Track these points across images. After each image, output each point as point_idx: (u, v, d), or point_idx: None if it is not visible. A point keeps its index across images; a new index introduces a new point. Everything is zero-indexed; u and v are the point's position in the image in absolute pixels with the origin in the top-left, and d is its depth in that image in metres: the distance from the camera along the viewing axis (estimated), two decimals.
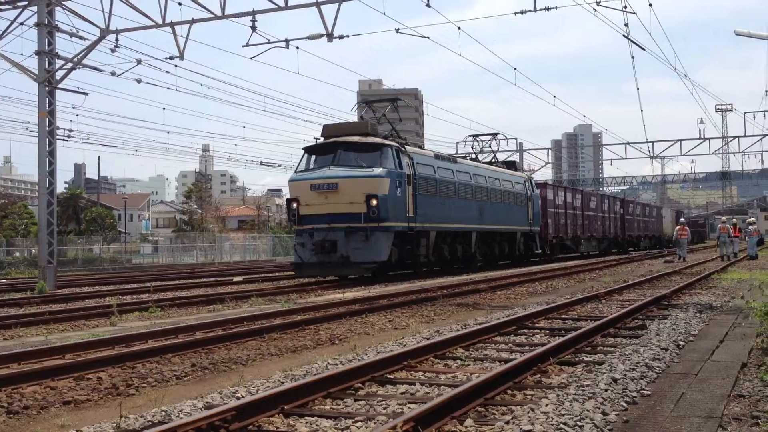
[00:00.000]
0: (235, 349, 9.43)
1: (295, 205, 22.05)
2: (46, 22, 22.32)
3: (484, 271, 26.08)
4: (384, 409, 5.89)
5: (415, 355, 7.83)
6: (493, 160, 34.45)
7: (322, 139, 23.32)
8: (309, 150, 23.27)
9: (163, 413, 5.76)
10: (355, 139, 22.29)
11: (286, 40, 22.43)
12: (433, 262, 24.86)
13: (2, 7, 22.80)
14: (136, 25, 22.85)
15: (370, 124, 23.48)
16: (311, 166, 22.43)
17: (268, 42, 22.18)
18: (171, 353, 8.84)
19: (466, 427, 5.26)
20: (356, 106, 25.47)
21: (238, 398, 6.22)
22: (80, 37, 23.22)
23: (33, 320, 12.72)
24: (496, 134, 34.99)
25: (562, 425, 5.09)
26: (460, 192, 26.52)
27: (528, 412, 5.44)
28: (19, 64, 23.32)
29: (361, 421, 5.46)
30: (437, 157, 25.82)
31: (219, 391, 6.63)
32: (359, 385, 6.70)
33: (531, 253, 34.83)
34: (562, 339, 8.58)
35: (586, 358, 8.04)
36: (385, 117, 25.51)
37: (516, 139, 59.63)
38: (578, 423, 5.16)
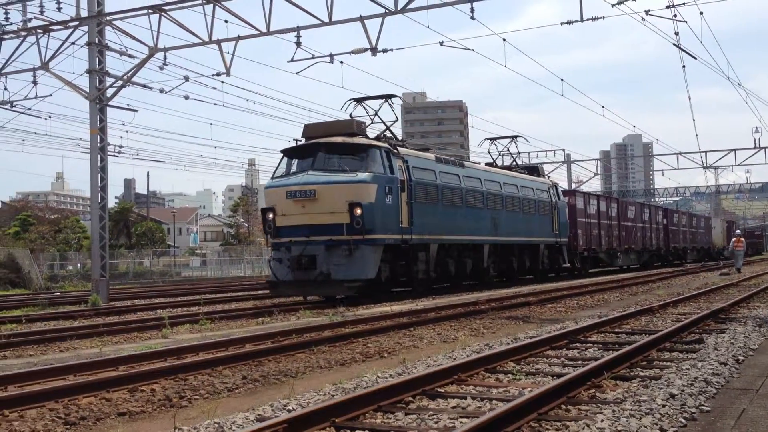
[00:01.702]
0: (284, 361, 9.45)
1: (270, 216, 19.43)
2: (97, 42, 22.81)
3: (498, 288, 23.97)
4: (435, 423, 5.84)
5: (466, 369, 7.76)
6: (513, 165, 31.56)
7: (303, 140, 20.81)
8: (287, 152, 20.69)
9: (216, 425, 5.79)
10: (338, 139, 19.69)
11: (331, 55, 22.57)
12: (435, 278, 22.16)
13: (55, 27, 23.35)
14: (183, 43, 23.23)
15: (357, 122, 20.82)
16: (291, 171, 20.01)
17: (313, 57, 22.33)
18: (222, 365, 8.91)
19: None
20: (347, 106, 22.32)
21: (289, 411, 6.22)
22: (129, 56, 23.69)
23: (87, 332, 12.95)
24: (515, 136, 32.15)
25: None
26: (468, 200, 23.78)
27: (582, 428, 5.35)
28: (71, 83, 23.88)
29: None
30: (439, 160, 23.10)
31: (270, 403, 6.64)
32: (410, 398, 6.65)
33: (558, 267, 32.21)
34: (616, 353, 8.42)
35: (641, 373, 7.87)
36: (379, 116, 22.57)
37: (563, 150, 59.19)
38: None
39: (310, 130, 20.73)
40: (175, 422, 5.72)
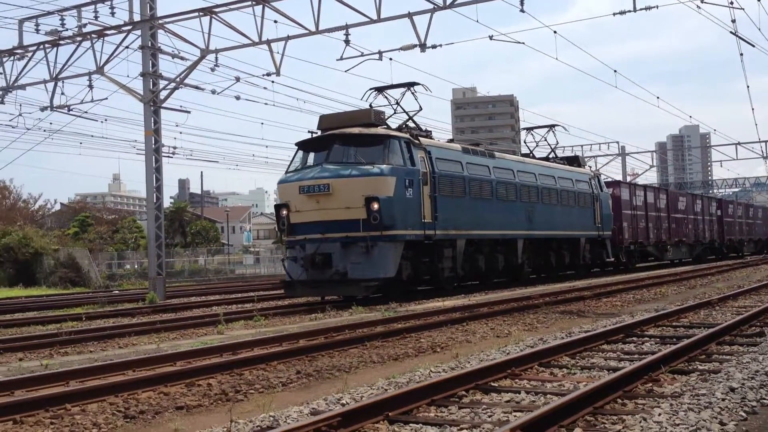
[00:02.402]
0: (337, 356, 9.51)
1: (284, 212, 18.46)
2: (150, 45, 23.23)
3: (536, 285, 23.04)
4: (489, 417, 5.81)
5: (519, 363, 7.71)
6: (551, 156, 29.63)
7: (319, 132, 19.71)
8: (302, 145, 19.54)
9: (271, 419, 5.86)
10: (355, 130, 18.64)
11: (380, 52, 22.56)
12: (464, 276, 21.00)
13: (109, 32, 23.84)
14: (234, 44, 23.50)
15: (375, 112, 19.63)
16: (306, 165, 19.03)
17: (362, 54, 22.35)
18: (276, 360, 9.00)
19: None
20: (367, 96, 21.01)
21: (343, 405, 6.26)
22: (182, 58, 24.06)
23: (145, 329, 13.21)
24: (553, 126, 30.64)
25: None
26: (499, 192, 22.47)
27: (640, 422, 5.27)
28: (125, 86, 24.34)
29: (466, 429, 5.41)
30: (466, 151, 21.71)
31: (324, 397, 6.70)
32: (463, 392, 6.64)
33: (601, 262, 30.63)
34: (674, 347, 8.27)
35: (700, 367, 7.72)
36: (401, 106, 21.21)
37: (618, 142, 58.25)
38: None
39: (326, 122, 19.71)
40: (231, 416, 5.80)
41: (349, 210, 17.54)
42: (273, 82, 24.96)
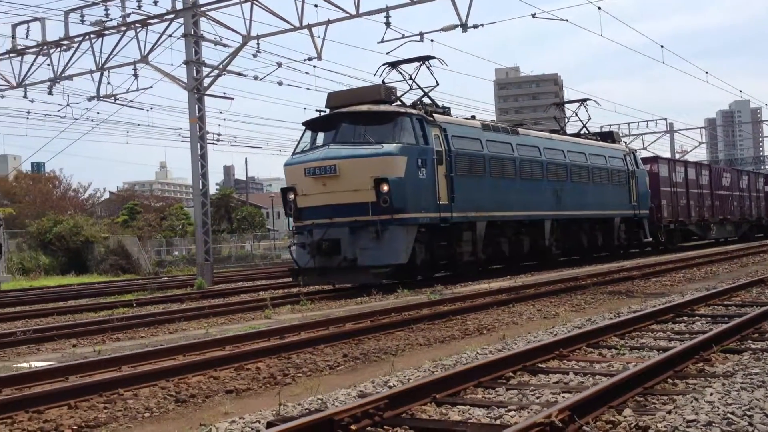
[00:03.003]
0: (384, 339, 9.54)
1: (291, 196, 17.74)
2: (193, 33, 23.42)
3: (567, 268, 21.82)
4: (537, 398, 5.78)
5: (567, 345, 7.64)
6: (582, 132, 28.23)
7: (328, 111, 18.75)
8: (309, 125, 18.75)
9: (320, 401, 5.91)
10: (363, 108, 17.75)
11: (420, 34, 22.46)
12: (485, 260, 19.98)
13: (152, 21, 24.10)
14: (275, 30, 23.58)
15: (385, 88, 18.68)
16: (314, 146, 18.18)
17: (403, 37, 22.27)
18: (323, 344, 9.07)
19: (624, 417, 5.05)
20: (380, 71, 19.88)
21: (390, 387, 6.28)
22: (224, 45, 24.23)
23: (194, 315, 13.41)
24: (585, 100, 29.56)
25: (729, 415, 4.80)
26: (523, 171, 21.38)
27: (691, 402, 5.18)
28: (169, 74, 24.63)
29: (515, 410, 5.38)
30: (486, 128, 20.55)
31: (371, 380, 6.73)
32: (510, 374, 6.60)
33: (638, 243, 29.19)
34: (725, 326, 8.12)
35: (753, 346, 7.57)
36: (414, 81, 19.86)
37: (666, 119, 57.23)
38: (747, 413, 4.85)
39: (334, 99, 18.73)
40: (280, 399, 5.85)
41: (358, 192, 16.74)
42: (314, 66, 25.16)
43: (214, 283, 23.27)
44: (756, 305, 10.69)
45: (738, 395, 5.25)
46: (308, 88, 30.51)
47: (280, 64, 24.90)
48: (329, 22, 22.43)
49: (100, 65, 25.11)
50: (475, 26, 21.62)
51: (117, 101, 26.49)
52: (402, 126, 17.35)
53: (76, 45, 25.18)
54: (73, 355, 9.37)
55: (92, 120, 30.07)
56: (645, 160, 31.96)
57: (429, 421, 5.19)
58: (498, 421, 5.15)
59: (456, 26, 21.42)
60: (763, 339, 7.98)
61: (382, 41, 22.28)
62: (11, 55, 25.89)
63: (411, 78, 19.87)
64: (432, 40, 23.01)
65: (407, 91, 19.74)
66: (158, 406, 6.33)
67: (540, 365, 6.95)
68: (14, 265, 36.29)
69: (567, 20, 22.99)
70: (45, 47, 25.43)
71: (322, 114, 18.62)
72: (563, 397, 5.68)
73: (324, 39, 23.03)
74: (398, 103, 18.64)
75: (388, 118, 17.48)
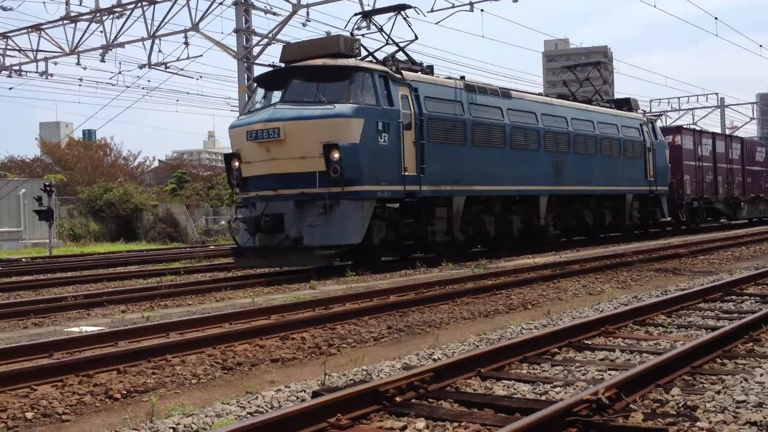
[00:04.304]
0: (428, 312, 9.56)
1: (236, 163, 15.52)
2: (243, 1, 23.48)
3: (567, 250, 19.93)
4: (583, 375, 5.75)
5: (613, 321, 7.57)
6: (594, 98, 25.52)
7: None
8: (260, 81, 16.78)
9: (364, 372, 5.95)
10: (318, 62, 15.46)
11: (471, 3, 22.25)
12: (464, 241, 17.74)
13: None
14: None
15: (345, 39, 16.09)
16: (261, 106, 16.00)
17: (453, 6, 22.07)
18: (367, 315, 9.12)
19: (672, 396, 5.00)
20: (353, 23, 18.02)
21: (434, 360, 6.30)
22: (274, 14, 24.30)
23: (240, 284, 13.58)
24: (598, 63, 27.68)
25: None
26: (515, 140, 18.92)
27: (741, 382, 5.10)
28: (219, 43, 24.77)
29: (560, 386, 5.35)
30: (470, 89, 17.87)
31: (415, 352, 6.75)
32: (555, 350, 6.57)
33: (654, 222, 26.72)
34: None
35: None
36: (383, 32, 17.69)
37: (717, 94, 55.90)
38: None
39: (289, 53, 16.47)
40: (325, 369, 5.91)
41: (305, 160, 14.50)
42: (363, 35, 24.92)
43: None
44: None
45: None
46: None
47: (328, 33, 24.85)
48: None
49: (152, 33, 25.37)
50: None
51: (167, 69, 26.79)
52: (359, 83, 15.00)
53: (128, 12, 25.48)
54: (122, 320, 9.57)
55: (143, 88, 30.67)
56: (667, 131, 29.71)
57: (474, 395, 5.19)
58: (543, 397, 5.13)
59: None
60: None
61: (432, 10, 22.11)
62: (65, 21, 26.31)
63: (380, 29, 17.67)
64: (482, 10, 22.77)
65: (382, 46, 17.62)
66: (205, 373, 6.44)
67: (586, 342, 6.91)
68: (65, 231, 37.11)
69: None
70: (98, 14, 25.76)
71: (274, 69, 16.69)
72: (609, 374, 5.64)
73: (373, 8, 22.87)
74: (360, 57, 16.22)
75: (344, 74, 15.15)
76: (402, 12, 17.57)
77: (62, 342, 7.50)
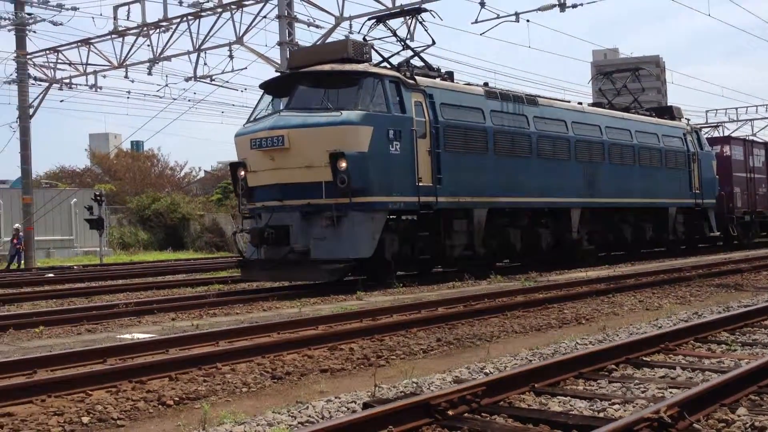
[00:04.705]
0: (478, 325, 9.39)
1: (242, 173, 14.97)
2: (286, 14, 23.60)
3: (602, 266, 18.64)
4: (642, 392, 5.53)
5: (673, 338, 7.31)
6: (632, 106, 24.31)
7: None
8: (267, 87, 16.00)
9: (414, 385, 5.82)
10: (325, 68, 14.86)
11: (516, 14, 22.02)
12: (486, 254, 16.78)
13: (247, 2, 24.43)
14: (367, 11, 23.50)
15: (354, 43, 15.57)
16: (267, 113, 15.44)
17: (498, 17, 21.87)
18: (416, 327, 8.98)
19: (738, 416, 4.77)
20: (368, 28, 17.36)
21: (486, 374, 6.15)
22: (317, 26, 24.33)
23: (288, 294, 13.57)
24: (637, 69, 26.65)
25: None
26: (542, 149, 18.01)
27: None
28: (263, 56, 24.90)
29: (619, 403, 5.15)
30: (492, 95, 17.04)
31: (466, 366, 6.60)
32: (613, 366, 6.36)
33: (701, 237, 25.41)
34: None
35: None
36: (397, 36, 17.03)
37: None
38: None
39: (296, 58, 16.07)
40: (375, 380, 5.80)
41: (311, 170, 13.92)
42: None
43: None
44: None
45: None
46: None
47: (372, 47, 24.82)
48: (422, 2, 22.21)
49: (197, 46, 25.65)
50: (574, 6, 21.08)
51: (213, 82, 27.07)
52: (369, 89, 14.44)
53: (174, 26, 25.81)
54: (172, 328, 9.59)
55: (189, 100, 31.01)
56: (714, 141, 28.33)
57: (528, 410, 5.03)
58: (602, 414, 4.94)
59: (554, 6, 20.91)
60: None
61: (476, 21, 21.95)
62: (113, 36, 26.78)
63: (393, 33, 16.99)
64: (528, 21, 22.51)
65: (398, 52, 16.93)
66: (255, 382, 6.38)
67: (644, 358, 6.67)
68: (114, 239, 37.73)
69: None
70: (145, 28, 26.15)
71: (280, 74, 16.23)
72: (670, 392, 5.42)
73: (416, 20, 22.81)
74: (370, 62, 15.67)
75: (352, 79, 14.58)
76: (417, 16, 17.13)
77: (115, 348, 7.53)
